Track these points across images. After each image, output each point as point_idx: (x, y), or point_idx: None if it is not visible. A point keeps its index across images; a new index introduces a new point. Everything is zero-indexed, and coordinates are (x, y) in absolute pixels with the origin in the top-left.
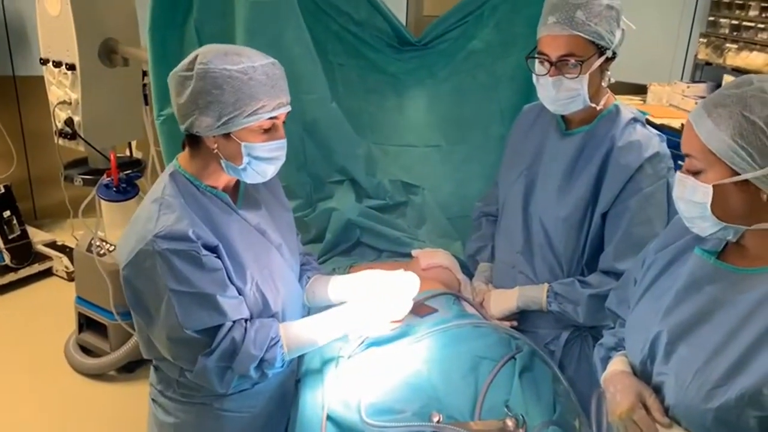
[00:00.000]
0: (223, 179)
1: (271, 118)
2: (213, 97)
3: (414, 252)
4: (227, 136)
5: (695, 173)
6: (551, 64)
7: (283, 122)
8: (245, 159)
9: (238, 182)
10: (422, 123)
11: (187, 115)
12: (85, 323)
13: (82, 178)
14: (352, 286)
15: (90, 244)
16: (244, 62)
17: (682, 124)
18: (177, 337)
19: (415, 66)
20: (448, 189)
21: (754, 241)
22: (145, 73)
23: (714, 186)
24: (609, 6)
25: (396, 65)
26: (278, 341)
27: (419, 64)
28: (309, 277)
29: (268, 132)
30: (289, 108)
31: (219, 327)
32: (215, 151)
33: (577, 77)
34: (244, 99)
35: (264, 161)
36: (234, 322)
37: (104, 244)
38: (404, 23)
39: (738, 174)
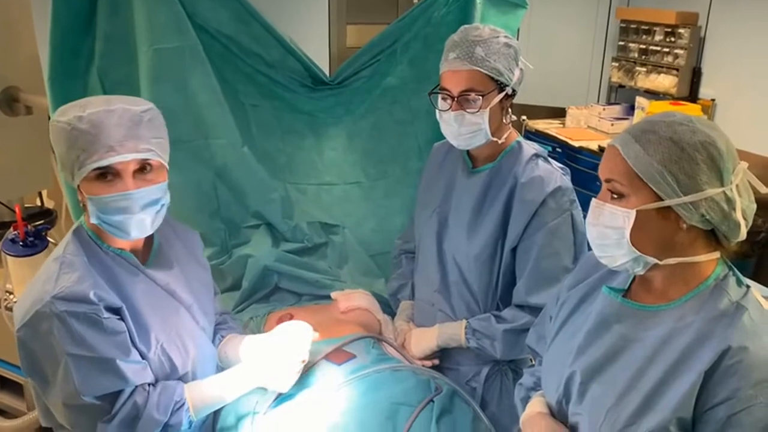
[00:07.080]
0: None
1: (100, 167)
2: (57, 150)
3: (333, 294)
4: (80, 189)
5: (618, 198)
6: (453, 99)
7: (140, 170)
8: (93, 212)
9: (150, 240)
10: (341, 160)
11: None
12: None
13: None
14: (259, 344)
15: None
16: (73, 113)
17: (599, 146)
18: (74, 404)
19: (331, 104)
20: (370, 226)
21: (660, 276)
22: None
23: (637, 211)
24: (507, 44)
25: (312, 104)
26: (183, 404)
27: (335, 102)
28: (222, 337)
29: (109, 182)
30: (134, 156)
31: (120, 392)
32: (81, 205)
33: (477, 112)
34: (72, 150)
35: (111, 214)
36: (136, 386)
37: (12, 297)
38: (328, 55)
39: (662, 200)
